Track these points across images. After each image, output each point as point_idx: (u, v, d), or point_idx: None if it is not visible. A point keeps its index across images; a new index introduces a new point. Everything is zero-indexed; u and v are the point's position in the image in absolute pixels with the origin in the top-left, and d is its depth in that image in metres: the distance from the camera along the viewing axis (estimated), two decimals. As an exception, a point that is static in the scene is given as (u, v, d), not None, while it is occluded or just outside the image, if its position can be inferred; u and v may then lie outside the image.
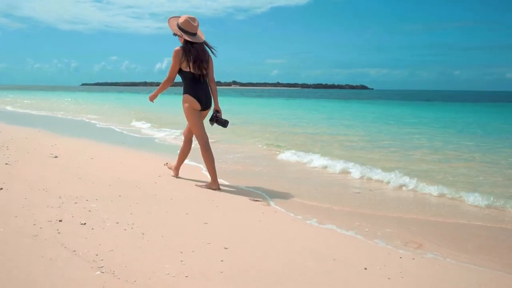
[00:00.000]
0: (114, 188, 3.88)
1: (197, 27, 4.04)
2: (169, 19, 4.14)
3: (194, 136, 4.36)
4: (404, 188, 4.41)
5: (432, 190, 4.25)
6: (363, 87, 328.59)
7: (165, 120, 12.02)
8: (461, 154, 7.07)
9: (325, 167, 5.28)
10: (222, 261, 2.27)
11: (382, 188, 4.49)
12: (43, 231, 2.53)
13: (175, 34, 4.09)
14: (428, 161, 6.29)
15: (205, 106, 4.17)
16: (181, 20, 4.04)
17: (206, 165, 4.23)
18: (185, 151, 4.52)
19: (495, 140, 9.01)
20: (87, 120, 12.50)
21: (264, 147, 6.93)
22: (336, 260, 2.39)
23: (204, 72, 4.06)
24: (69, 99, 29.53)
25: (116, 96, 41.20)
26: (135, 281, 1.95)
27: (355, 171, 4.99)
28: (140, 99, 34.26)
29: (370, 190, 4.41)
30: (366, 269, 2.27)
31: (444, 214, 3.66)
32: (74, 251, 2.26)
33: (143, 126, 10.31)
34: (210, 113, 4.27)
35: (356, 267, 2.30)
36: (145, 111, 17.46)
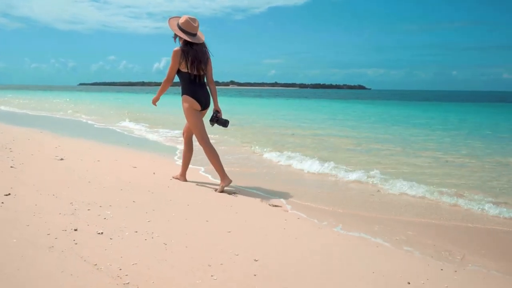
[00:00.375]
0: (126, 193, 3.71)
1: (197, 27, 4.00)
2: (170, 19, 4.10)
3: (194, 135, 4.29)
4: (419, 192, 4.24)
5: (450, 193, 4.16)
6: (360, 87, 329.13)
7: (166, 120, 11.86)
8: (475, 156, 6.92)
9: (335, 173, 5.06)
10: (255, 275, 2.10)
11: (394, 192, 4.31)
12: (59, 242, 2.36)
13: (175, 37, 4.06)
14: (444, 164, 6.14)
15: (204, 106, 4.15)
16: (181, 20, 3.99)
17: (212, 164, 4.14)
18: (187, 154, 4.43)
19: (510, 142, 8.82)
20: (86, 121, 12.30)
21: (270, 150, 6.74)
22: (375, 273, 2.23)
23: (202, 73, 4.04)
24: (67, 99, 29.28)
25: (115, 96, 40.90)
26: (165, 299, 1.79)
27: (363, 175, 4.82)
28: (139, 99, 34.11)
29: (378, 193, 4.25)
30: (409, 283, 2.12)
31: (460, 218, 3.52)
32: (95, 264, 2.09)
33: (141, 128, 10.07)
34: (209, 112, 4.24)
35: (399, 281, 2.14)
36: (146, 112, 17.28)
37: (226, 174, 4.08)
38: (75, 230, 2.59)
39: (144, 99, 34.89)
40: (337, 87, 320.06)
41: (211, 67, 4.11)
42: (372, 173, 4.89)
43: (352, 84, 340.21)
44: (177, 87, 4.29)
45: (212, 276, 2.06)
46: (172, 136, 8.66)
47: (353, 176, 4.86)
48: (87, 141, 7.67)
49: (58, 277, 1.92)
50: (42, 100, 26.82)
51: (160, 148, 7.09)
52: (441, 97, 66.78)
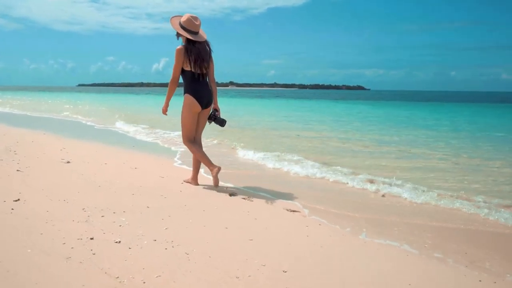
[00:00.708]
0: (138, 198, 3.59)
1: (199, 26, 3.98)
2: (172, 18, 4.08)
3: (196, 136, 4.28)
4: (433, 196, 4.12)
5: (467, 197, 4.07)
6: (359, 88, 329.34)
7: (165, 122, 11.69)
8: (488, 159, 6.80)
9: (344, 176, 4.92)
10: (287, 288, 1.98)
11: (409, 196, 4.17)
12: (76, 252, 2.24)
13: (178, 36, 4.03)
14: (460, 167, 6.02)
15: (206, 105, 4.13)
16: (183, 19, 3.98)
17: (199, 159, 4.23)
18: (196, 154, 4.31)
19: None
20: (86, 122, 12.16)
21: (279, 154, 6.61)
22: (412, 285, 2.11)
23: (205, 71, 4.03)
24: (65, 100, 29.13)
25: (114, 97, 40.74)
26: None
27: (373, 179, 4.71)
28: (139, 100, 33.98)
29: (392, 197, 4.13)
30: (450, 296, 2.00)
31: (482, 222, 3.41)
32: (117, 277, 1.97)
33: (141, 130, 9.91)
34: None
35: (439, 294, 2.02)
36: (146, 113, 17.16)
37: (212, 163, 4.17)
38: (91, 238, 2.47)
39: (143, 100, 34.78)
40: (336, 87, 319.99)
41: (213, 65, 4.12)
42: (383, 176, 4.79)
43: (351, 85, 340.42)
44: (179, 87, 4.20)
45: (242, 289, 1.94)
46: (170, 138, 8.55)
47: (363, 179, 4.74)
48: (91, 143, 7.55)
49: (79, 292, 1.80)
50: (41, 101, 26.67)
51: (163, 150, 6.92)
52: (442, 98, 66.63)
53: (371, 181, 4.61)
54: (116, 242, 2.45)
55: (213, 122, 4.22)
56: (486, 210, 3.66)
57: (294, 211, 3.53)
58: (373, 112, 20.90)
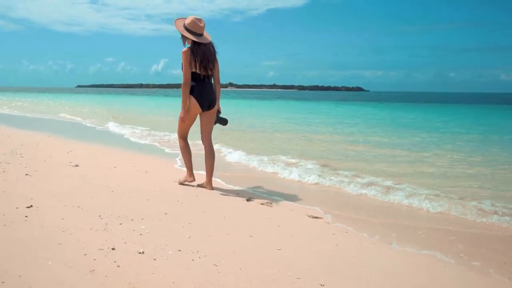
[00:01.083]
0: (154, 204, 3.46)
1: (203, 27, 3.98)
2: (176, 20, 4.08)
3: (202, 135, 4.28)
4: (454, 200, 4.01)
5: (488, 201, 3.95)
6: (359, 89, 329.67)
7: (165, 123, 11.61)
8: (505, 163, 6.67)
9: (361, 184, 4.78)
10: (329, 304, 1.85)
11: (430, 200, 4.06)
12: (99, 264, 2.11)
13: (183, 39, 4.01)
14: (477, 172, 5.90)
15: (208, 107, 4.11)
16: (187, 21, 3.98)
17: (185, 159, 4.29)
18: (208, 160, 4.25)
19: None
20: (86, 124, 12.02)
21: (288, 158, 6.48)
22: (459, 300, 1.98)
23: (210, 73, 4.04)
24: (64, 101, 28.98)
25: (114, 98, 40.57)
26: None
27: (387, 183, 4.61)
28: (139, 101, 33.81)
29: (412, 201, 3.99)
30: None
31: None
32: (148, 293, 1.84)
33: (142, 132, 9.78)
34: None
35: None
36: (146, 114, 17.04)
37: (193, 172, 4.29)
38: (113, 249, 2.34)
39: (143, 100, 34.63)
40: (335, 88, 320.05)
41: (218, 66, 4.11)
42: (397, 181, 4.68)
43: (350, 86, 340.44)
44: (179, 89, 4.10)
45: (281, 306, 1.81)
46: (169, 139, 8.44)
47: (377, 183, 4.63)
48: (96, 145, 7.42)
49: (110, 311, 1.67)
50: (41, 102, 26.53)
51: (171, 154, 6.77)
52: (442, 99, 66.58)
53: (388, 188, 4.45)
54: (140, 252, 2.32)
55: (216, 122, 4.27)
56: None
57: (316, 217, 3.40)
58: (378, 114, 20.58)
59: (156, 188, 4.09)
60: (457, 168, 5.93)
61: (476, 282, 2.26)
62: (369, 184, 4.59)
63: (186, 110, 4.05)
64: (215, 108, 4.17)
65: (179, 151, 4.45)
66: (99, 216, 2.98)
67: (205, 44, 3.97)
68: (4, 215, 2.85)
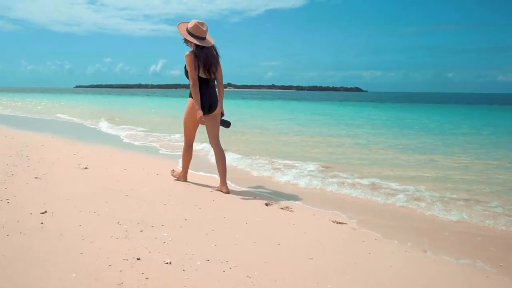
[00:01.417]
0: (172, 209, 3.33)
1: (205, 31, 4.01)
2: (179, 24, 4.13)
3: (209, 140, 4.27)
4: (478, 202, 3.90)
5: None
6: (357, 89, 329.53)
7: (163, 124, 11.45)
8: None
9: (377, 188, 4.68)
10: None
11: (454, 204, 3.95)
12: (127, 277, 1.98)
13: (186, 42, 4.05)
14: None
15: (208, 110, 4.09)
16: (190, 25, 4.00)
17: (184, 161, 4.41)
18: (219, 162, 4.19)
19: None
20: (86, 124, 11.87)
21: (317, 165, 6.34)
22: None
23: (213, 76, 4.06)
24: (64, 102, 28.80)
25: (115, 99, 40.39)
26: None
27: (405, 187, 4.53)
28: (138, 102, 33.62)
29: (433, 205, 3.88)
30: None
31: None
32: (183, 309, 1.71)
33: (142, 134, 9.64)
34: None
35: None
36: (147, 115, 16.90)
37: (186, 175, 4.45)
38: (138, 259, 2.21)
39: (144, 101, 34.44)
40: (334, 89, 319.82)
41: (221, 69, 4.13)
42: (418, 185, 4.57)
43: (349, 86, 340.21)
44: (183, 89, 4.03)
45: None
46: (176, 140, 8.33)
47: (394, 187, 4.53)
48: (101, 146, 7.30)
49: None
50: (40, 103, 26.35)
51: (174, 155, 6.63)
52: (442, 99, 66.41)
53: (416, 198, 4.28)
54: (167, 263, 2.19)
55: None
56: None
57: (341, 223, 3.27)
58: (382, 115, 20.12)
59: (170, 192, 3.97)
60: (476, 171, 5.80)
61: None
62: (386, 188, 4.48)
63: (188, 112, 4.10)
64: (218, 111, 4.15)
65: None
66: (118, 222, 2.84)
67: (208, 48, 3.98)
68: (18, 221, 2.71)
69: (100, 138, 8.71)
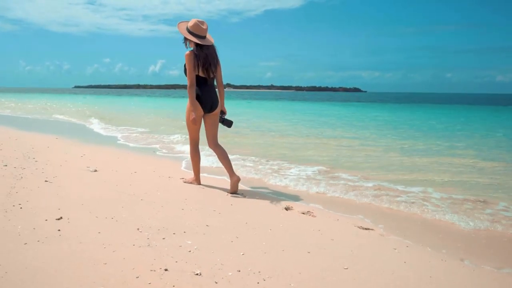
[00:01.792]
0: (191, 214, 3.21)
1: (206, 30, 4.00)
2: (179, 23, 4.11)
3: (208, 140, 4.26)
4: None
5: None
6: (356, 90, 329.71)
7: (163, 125, 11.31)
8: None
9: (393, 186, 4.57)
10: None
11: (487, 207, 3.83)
12: (157, 290, 1.85)
13: (186, 41, 4.03)
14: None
15: (209, 109, 4.10)
16: (190, 23, 3.99)
17: (193, 164, 4.33)
18: (223, 161, 4.16)
19: None
20: (86, 125, 11.73)
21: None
22: None
23: (212, 76, 4.05)
24: (63, 102, 28.62)
25: (113, 99, 40.21)
26: None
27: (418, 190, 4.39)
28: (138, 102, 33.48)
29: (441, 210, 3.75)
30: None
31: None
32: (224, 328, 1.58)
33: (141, 135, 9.52)
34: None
35: None
36: (147, 115, 16.76)
37: (199, 178, 4.37)
38: (166, 270, 2.08)
39: (144, 101, 34.29)
40: (333, 89, 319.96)
41: (221, 69, 4.13)
42: (438, 189, 4.46)
43: (348, 87, 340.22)
44: (183, 89, 3.92)
45: None
46: (168, 141, 8.22)
47: (416, 192, 4.41)
48: (108, 148, 7.18)
49: None
50: (39, 103, 26.19)
51: (182, 156, 6.49)
52: (442, 100, 66.33)
53: (440, 202, 4.18)
54: (197, 274, 2.06)
55: (220, 124, 4.27)
56: None
57: (367, 228, 3.15)
58: (387, 116, 19.68)
59: (186, 195, 3.84)
60: (492, 174, 5.68)
61: None
62: (410, 193, 4.34)
63: (189, 113, 4.06)
64: (218, 110, 4.16)
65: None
66: (138, 229, 2.72)
67: (208, 47, 3.97)
68: (34, 228, 2.58)
69: (104, 140, 8.57)
